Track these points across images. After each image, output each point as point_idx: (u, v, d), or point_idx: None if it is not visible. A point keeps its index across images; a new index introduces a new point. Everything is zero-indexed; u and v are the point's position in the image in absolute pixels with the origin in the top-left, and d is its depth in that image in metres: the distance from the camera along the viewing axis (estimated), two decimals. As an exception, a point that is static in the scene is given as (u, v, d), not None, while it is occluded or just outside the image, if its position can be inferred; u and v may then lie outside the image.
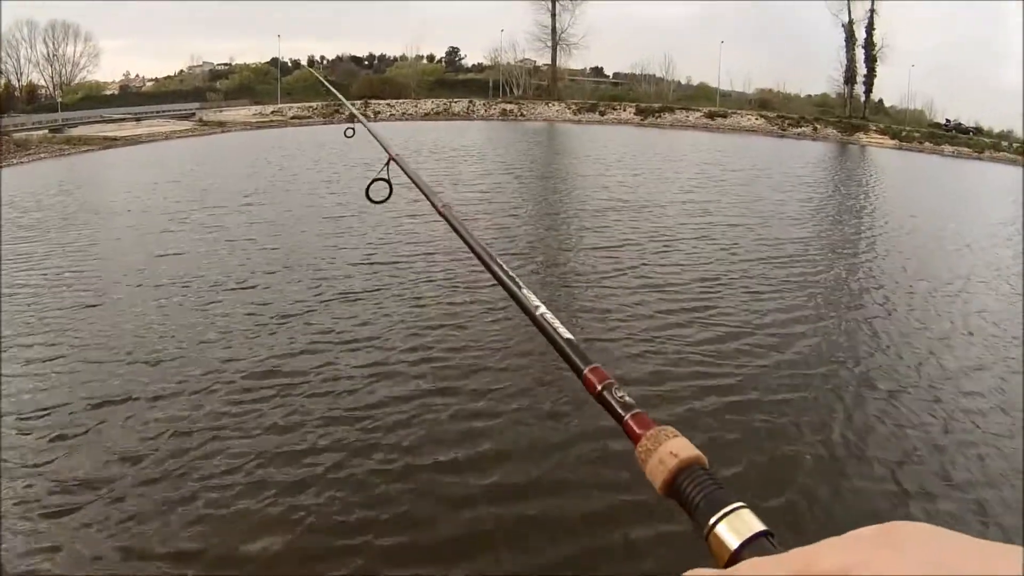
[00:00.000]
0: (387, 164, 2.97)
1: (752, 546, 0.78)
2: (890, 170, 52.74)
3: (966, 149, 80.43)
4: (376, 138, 3.20)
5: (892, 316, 15.55)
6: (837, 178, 43.61)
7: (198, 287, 15.75)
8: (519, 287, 1.37)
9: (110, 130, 60.76)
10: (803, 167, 47.69)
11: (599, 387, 1.10)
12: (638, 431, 1.00)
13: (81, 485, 8.16)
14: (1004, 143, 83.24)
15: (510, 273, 1.43)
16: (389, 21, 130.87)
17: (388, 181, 3.03)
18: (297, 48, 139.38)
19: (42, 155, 46.71)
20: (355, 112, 3.12)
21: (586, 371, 1.14)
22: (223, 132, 65.44)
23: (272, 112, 78.67)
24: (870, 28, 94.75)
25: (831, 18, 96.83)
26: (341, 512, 7.81)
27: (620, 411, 1.06)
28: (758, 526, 0.79)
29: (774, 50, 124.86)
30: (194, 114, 74.21)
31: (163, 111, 75.03)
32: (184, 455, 8.81)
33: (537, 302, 1.30)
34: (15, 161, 43.56)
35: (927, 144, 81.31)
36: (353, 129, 3.48)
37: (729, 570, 0.68)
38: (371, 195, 3.02)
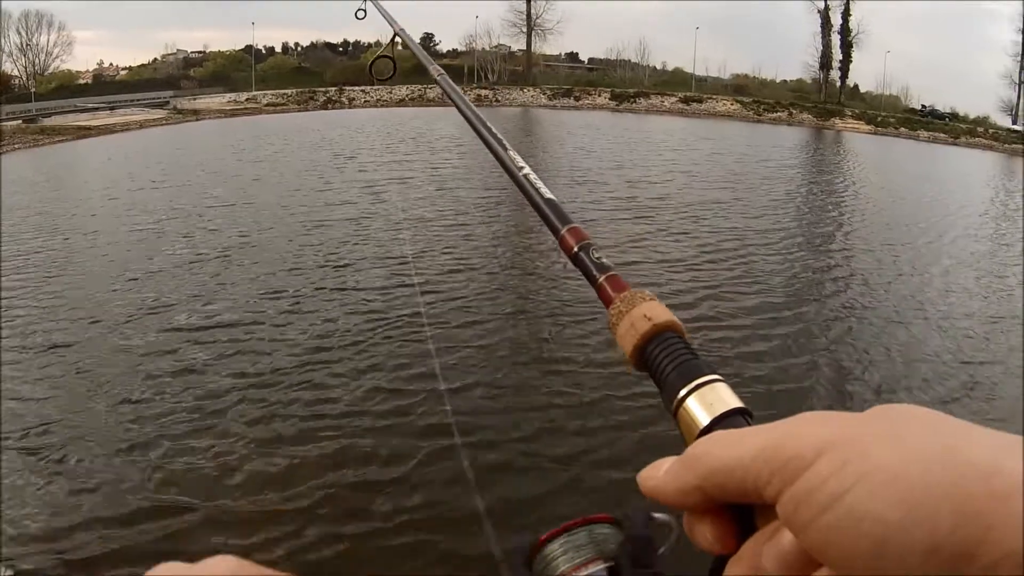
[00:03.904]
0: (391, 41, 2.90)
1: (725, 424, 0.70)
2: (884, 159, 53.02)
3: (942, 135, 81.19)
4: (383, 14, 3.13)
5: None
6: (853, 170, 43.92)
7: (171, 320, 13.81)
8: (505, 148, 1.35)
9: (84, 120, 60.38)
10: (810, 155, 48.22)
11: (575, 247, 1.04)
12: (612, 293, 0.93)
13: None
14: (980, 129, 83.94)
15: (497, 135, 1.41)
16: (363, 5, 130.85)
17: (393, 58, 2.96)
18: (271, 36, 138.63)
19: (16, 146, 46.33)
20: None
21: (563, 231, 1.08)
22: (197, 120, 65.08)
23: (246, 100, 78.24)
24: (846, 14, 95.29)
25: (807, 4, 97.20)
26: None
27: (595, 272, 0.98)
28: (734, 402, 0.71)
29: (750, 36, 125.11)
30: (168, 102, 73.69)
31: (137, 100, 74.53)
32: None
33: (522, 163, 1.28)
34: (-12, 152, 43.18)
35: (902, 129, 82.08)
36: (364, 11, 3.40)
37: (692, 445, 0.63)
38: (375, 73, 2.93)
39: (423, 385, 10.65)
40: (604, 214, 22.99)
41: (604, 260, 1.00)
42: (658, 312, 0.85)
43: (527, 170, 1.25)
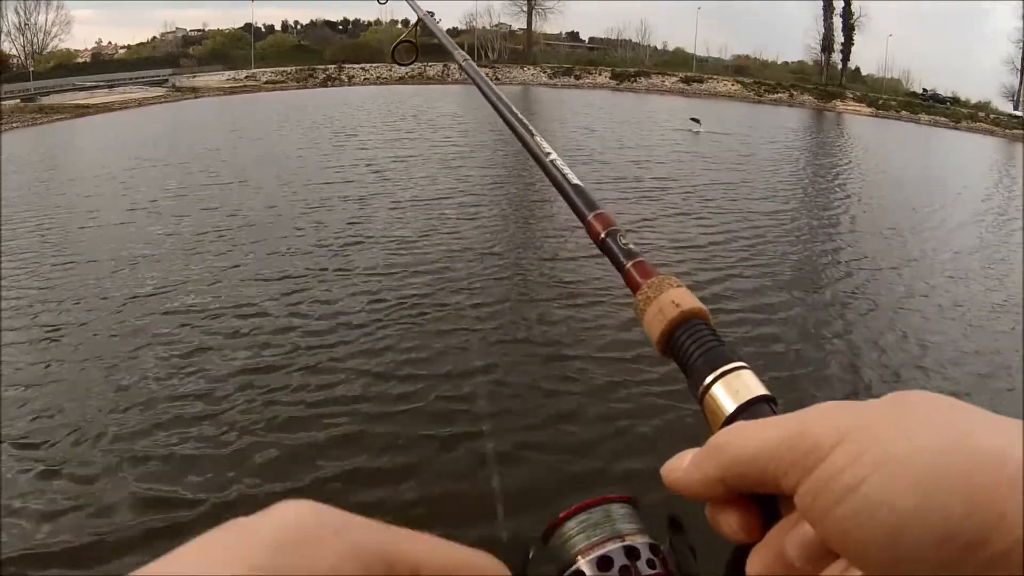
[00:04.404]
0: (415, 25, 2.81)
1: (750, 411, 0.70)
2: (887, 142, 53.65)
3: (943, 119, 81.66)
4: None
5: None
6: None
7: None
8: (532, 135, 1.33)
9: (82, 98, 60.23)
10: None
11: (603, 234, 1.03)
12: (639, 280, 0.92)
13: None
14: (981, 114, 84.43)
15: (524, 122, 1.39)
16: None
17: (415, 43, 2.85)
18: (270, 14, 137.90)
19: (15, 124, 46.17)
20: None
21: (590, 217, 1.07)
22: (196, 98, 64.97)
23: (245, 77, 78.04)
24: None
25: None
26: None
27: (622, 259, 0.98)
28: (759, 389, 0.71)
29: (752, 19, 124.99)
30: (167, 80, 73.62)
31: (136, 78, 74.34)
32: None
33: (548, 149, 1.26)
34: (-12, 131, 42.92)
35: (904, 113, 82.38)
36: None
37: (713, 436, 0.63)
38: (396, 57, 2.82)
39: (431, 381, 10.33)
40: (611, 195, 22.80)
41: (631, 246, 1.00)
42: (686, 299, 0.85)
43: (554, 156, 1.24)
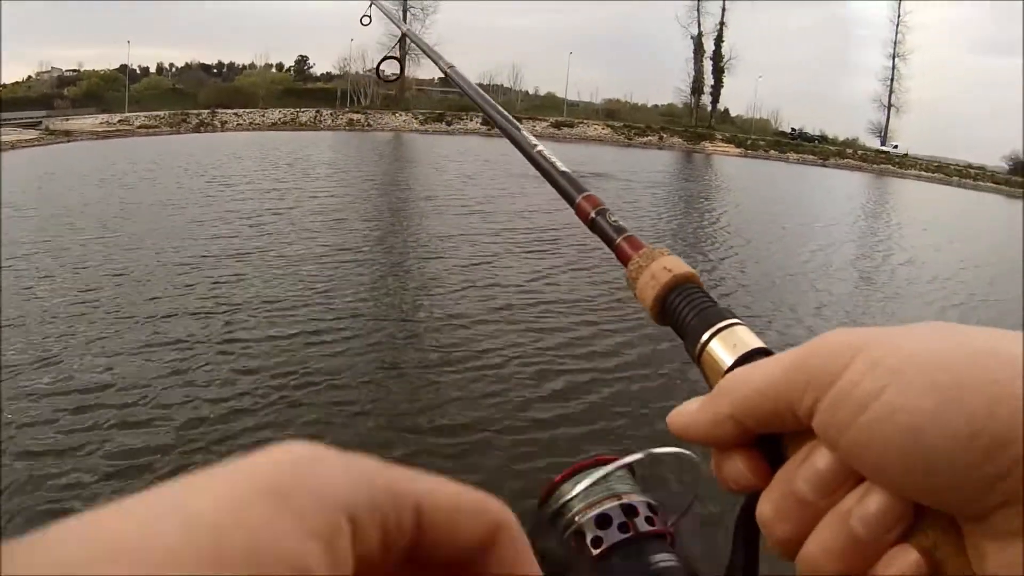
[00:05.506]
0: (399, 41, 2.93)
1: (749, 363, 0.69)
2: (754, 181, 56.81)
3: (811, 156, 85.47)
4: (387, 15, 3.02)
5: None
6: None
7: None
8: (518, 129, 1.41)
9: (-47, 141, 59.25)
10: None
11: (592, 213, 1.07)
12: (630, 252, 0.94)
13: None
14: (849, 150, 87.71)
15: (510, 118, 1.48)
16: (239, 26, 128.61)
17: (400, 60, 2.96)
18: (146, 55, 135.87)
19: None
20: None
21: (579, 199, 1.11)
22: (69, 142, 64.03)
23: (119, 121, 76.86)
24: (719, 40, 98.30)
25: (681, 30, 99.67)
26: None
27: (612, 234, 1.01)
28: (756, 342, 0.71)
29: (623, 62, 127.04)
30: (40, 123, 72.40)
31: (9, 119, 73.01)
32: None
33: (535, 141, 1.32)
34: None
35: (772, 152, 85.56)
36: (369, 17, 3.30)
37: (721, 379, 0.63)
38: (381, 74, 2.84)
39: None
40: (503, 248, 22.60)
41: (621, 223, 1.03)
42: (677, 265, 0.86)
43: (540, 147, 1.31)
